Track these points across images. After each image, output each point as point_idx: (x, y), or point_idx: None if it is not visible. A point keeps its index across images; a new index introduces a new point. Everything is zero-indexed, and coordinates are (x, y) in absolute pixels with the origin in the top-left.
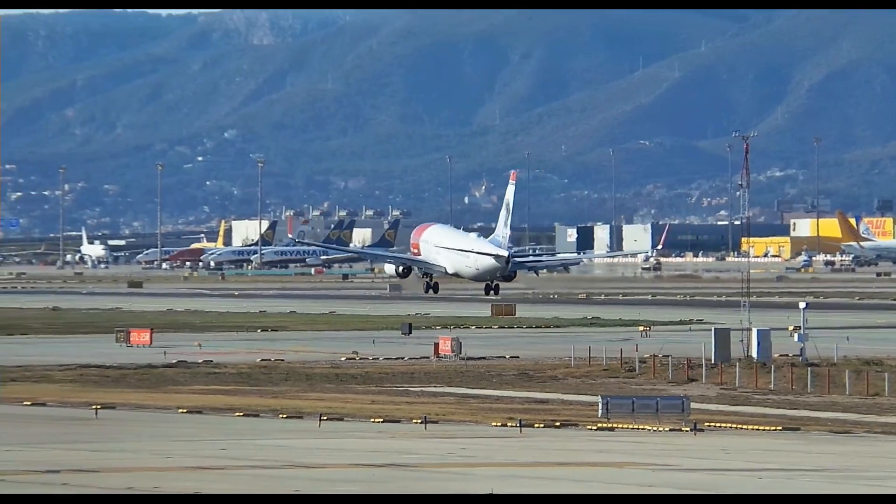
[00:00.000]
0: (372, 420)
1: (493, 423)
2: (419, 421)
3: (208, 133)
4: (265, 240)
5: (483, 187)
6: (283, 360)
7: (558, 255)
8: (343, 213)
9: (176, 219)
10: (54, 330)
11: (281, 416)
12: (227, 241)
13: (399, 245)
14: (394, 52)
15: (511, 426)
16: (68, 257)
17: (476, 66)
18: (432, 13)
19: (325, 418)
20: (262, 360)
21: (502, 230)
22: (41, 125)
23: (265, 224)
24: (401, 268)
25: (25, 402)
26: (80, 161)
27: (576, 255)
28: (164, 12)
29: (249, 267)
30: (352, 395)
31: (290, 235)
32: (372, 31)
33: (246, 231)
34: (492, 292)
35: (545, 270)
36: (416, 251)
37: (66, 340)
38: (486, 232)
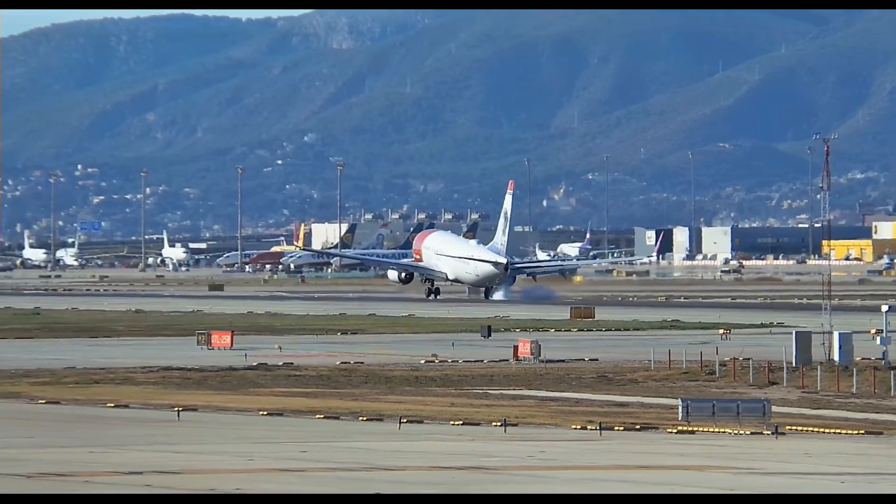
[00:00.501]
0: (451, 423)
1: (573, 426)
2: (499, 424)
3: (288, 137)
4: (344, 243)
5: (561, 190)
6: (362, 363)
7: (556, 261)
8: (422, 216)
9: (256, 222)
10: (137, 332)
11: (361, 418)
12: (307, 243)
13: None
14: (473, 55)
15: (591, 429)
16: (150, 260)
17: (555, 69)
18: (512, 17)
19: (404, 421)
20: (342, 362)
21: (501, 238)
22: (123, 129)
23: (344, 227)
24: (403, 274)
25: (109, 404)
26: (162, 165)
27: (574, 261)
28: (243, 17)
29: (329, 270)
30: (431, 398)
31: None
32: (451, 34)
33: (325, 234)
34: (490, 297)
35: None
36: (418, 257)
37: (149, 343)
38: (563, 236)
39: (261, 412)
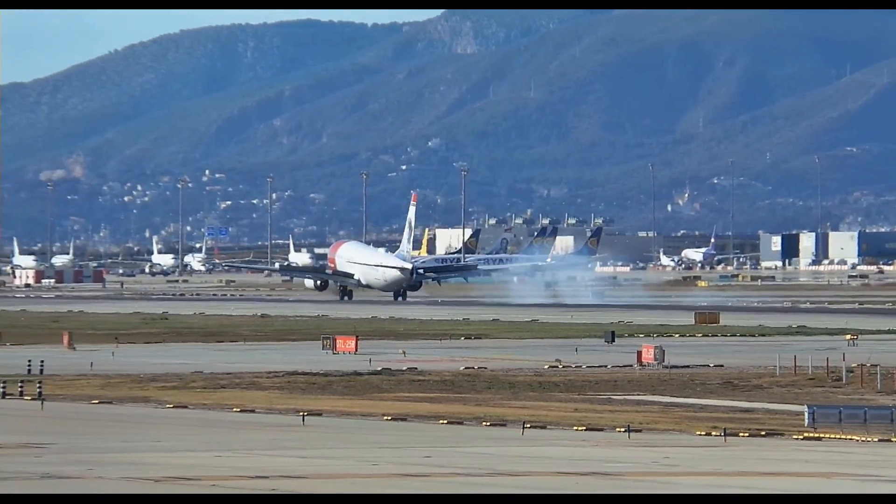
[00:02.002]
0: (575, 428)
1: (697, 432)
2: (622, 429)
3: (412, 142)
4: (468, 248)
5: (686, 195)
6: (486, 368)
7: (460, 263)
8: (545, 220)
9: (380, 227)
10: (263, 337)
11: (484, 423)
12: (431, 249)
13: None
14: (597, 59)
15: (715, 435)
16: (276, 265)
17: (679, 73)
18: (636, 20)
19: (528, 426)
20: (466, 367)
21: (406, 245)
22: (249, 135)
23: (468, 232)
24: (318, 281)
25: (235, 409)
26: (287, 170)
27: (475, 263)
28: (369, 22)
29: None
30: (555, 403)
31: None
32: (575, 38)
33: (449, 239)
34: (400, 298)
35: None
36: (332, 266)
37: (274, 347)
38: (688, 241)
39: (385, 417)
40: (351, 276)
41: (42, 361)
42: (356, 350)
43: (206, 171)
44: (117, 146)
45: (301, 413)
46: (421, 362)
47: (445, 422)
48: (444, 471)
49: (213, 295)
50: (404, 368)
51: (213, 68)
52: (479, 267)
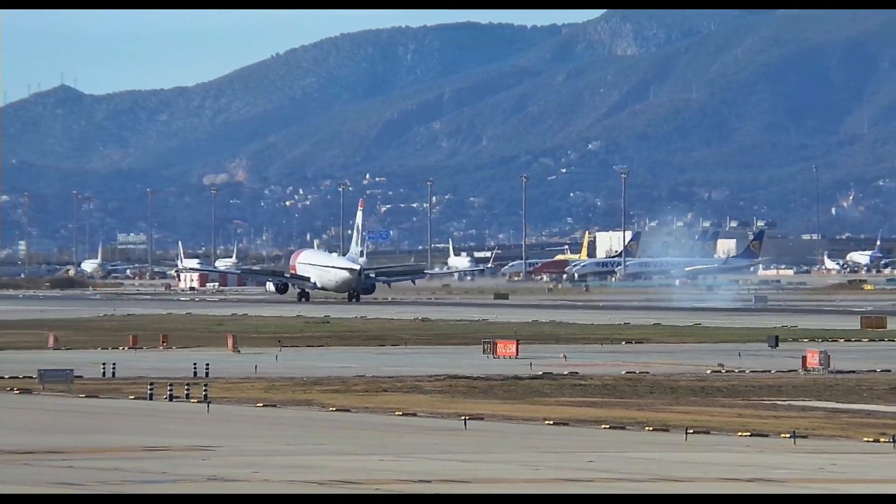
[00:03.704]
0: (739, 434)
1: (865, 439)
2: (787, 435)
3: (572, 144)
4: (629, 251)
5: (851, 197)
6: (647, 373)
7: (410, 267)
8: (707, 223)
9: (540, 230)
10: (423, 341)
11: (647, 428)
12: (591, 252)
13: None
14: (759, 60)
15: (883, 442)
16: (435, 269)
17: (844, 74)
18: (799, 21)
19: (691, 431)
20: (628, 371)
21: (355, 248)
22: (409, 138)
23: (628, 235)
24: (278, 284)
25: (397, 413)
26: (447, 173)
27: (422, 267)
28: (528, 24)
29: (613, 278)
30: (718, 409)
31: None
32: (737, 39)
33: (609, 242)
34: (354, 300)
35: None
36: (293, 270)
37: (435, 351)
38: (853, 244)
39: (546, 421)
40: (307, 279)
41: (207, 364)
42: (517, 354)
43: (367, 175)
44: (279, 150)
45: (463, 417)
46: (582, 367)
47: (607, 427)
48: (607, 476)
49: (374, 299)
50: (565, 373)
51: (374, 72)
52: (425, 272)
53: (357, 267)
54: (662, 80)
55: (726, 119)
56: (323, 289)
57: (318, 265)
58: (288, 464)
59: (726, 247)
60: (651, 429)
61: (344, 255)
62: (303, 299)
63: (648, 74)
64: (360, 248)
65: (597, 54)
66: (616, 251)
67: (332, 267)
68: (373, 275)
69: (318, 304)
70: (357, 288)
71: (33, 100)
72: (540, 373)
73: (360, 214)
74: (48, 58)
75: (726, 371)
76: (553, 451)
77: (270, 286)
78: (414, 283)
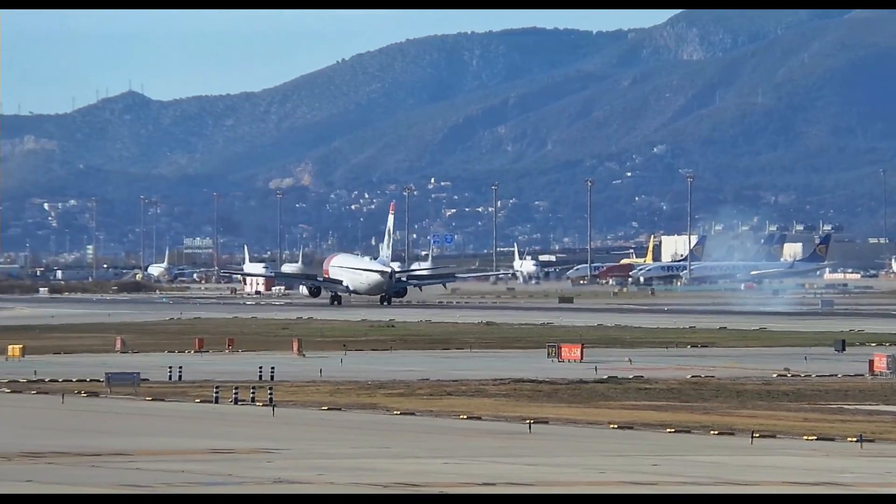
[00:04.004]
0: (805, 437)
1: None
2: (854, 439)
3: (637, 149)
4: (694, 255)
5: None
6: (713, 377)
7: (441, 270)
8: (773, 227)
9: (605, 234)
10: (488, 344)
11: (712, 432)
12: (656, 255)
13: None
14: (826, 64)
15: None
16: (501, 273)
17: None
18: (868, 25)
19: (756, 435)
20: (693, 375)
21: (385, 251)
22: (474, 143)
23: (694, 239)
24: (311, 288)
25: (462, 416)
26: (512, 177)
27: (453, 271)
28: (594, 30)
29: (679, 282)
30: (784, 413)
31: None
32: (804, 43)
33: (675, 246)
34: (385, 304)
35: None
36: (326, 274)
37: (500, 355)
38: None
39: (611, 425)
40: (340, 282)
41: (273, 368)
42: (581, 358)
43: (432, 179)
44: (344, 155)
45: (527, 421)
46: (647, 370)
47: (672, 430)
48: (672, 479)
49: (439, 302)
50: (630, 377)
51: (439, 77)
52: (456, 275)
53: (388, 270)
54: (729, 85)
55: (793, 123)
56: (355, 292)
57: (350, 268)
58: (352, 467)
59: (792, 250)
60: (716, 432)
61: (375, 258)
62: (335, 302)
63: (714, 79)
64: (389, 252)
65: (662, 59)
66: (681, 255)
67: (364, 270)
68: (404, 278)
69: (351, 308)
70: (388, 291)
71: (101, 105)
72: (605, 377)
73: (391, 218)
74: (116, 64)
75: (792, 375)
76: (617, 455)
77: (304, 289)
78: (445, 286)
